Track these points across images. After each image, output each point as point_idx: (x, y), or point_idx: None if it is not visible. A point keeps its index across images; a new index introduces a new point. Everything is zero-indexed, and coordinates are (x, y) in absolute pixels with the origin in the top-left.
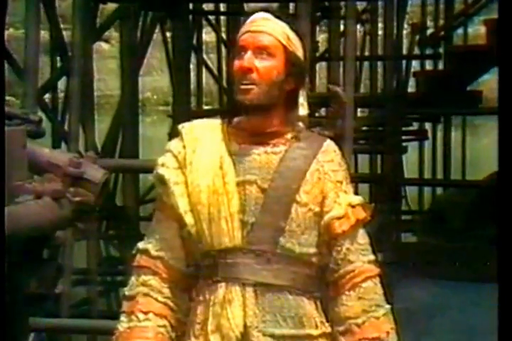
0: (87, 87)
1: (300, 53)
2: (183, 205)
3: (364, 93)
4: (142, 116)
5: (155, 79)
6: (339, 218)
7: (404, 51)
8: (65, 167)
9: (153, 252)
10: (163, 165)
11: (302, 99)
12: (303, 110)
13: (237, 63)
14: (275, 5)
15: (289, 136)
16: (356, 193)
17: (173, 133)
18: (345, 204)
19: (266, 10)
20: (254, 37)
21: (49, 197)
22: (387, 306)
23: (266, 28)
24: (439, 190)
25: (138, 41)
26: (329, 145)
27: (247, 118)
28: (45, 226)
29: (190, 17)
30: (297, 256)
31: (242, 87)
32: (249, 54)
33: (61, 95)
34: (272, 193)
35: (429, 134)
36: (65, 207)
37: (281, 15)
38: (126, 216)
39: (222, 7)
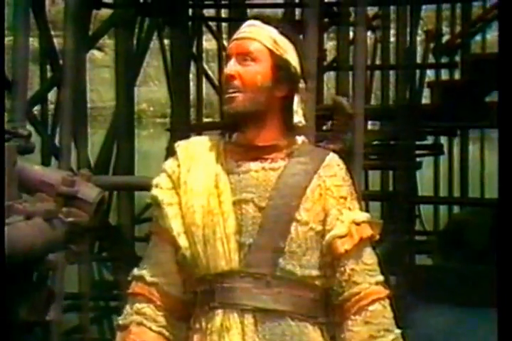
0: (80, 98)
1: (290, 57)
2: (176, 227)
3: (375, 105)
4: (138, 130)
5: (152, 89)
6: (342, 236)
7: (418, 60)
8: (57, 186)
9: (148, 278)
10: (157, 186)
11: (296, 106)
12: (297, 117)
13: (223, 72)
14: (281, 11)
15: (289, 150)
16: (367, 211)
17: (171, 148)
18: (349, 221)
19: (255, 17)
20: (237, 44)
21: (40, 218)
22: (398, 331)
23: (250, 33)
24: (455, 209)
25: (134, 49)
26: (332, 159)
27: (242, 132)
28: (36, 249)
29: (190, 23)
30: (299, 278)
31: (227, 95)
32: (232, 61)
33: (51, 107)
34: (269, 212)
35: (445, 149)
36: (58, 229)
37: (270, 20)
38: (121, 236)
39: (223, 13)
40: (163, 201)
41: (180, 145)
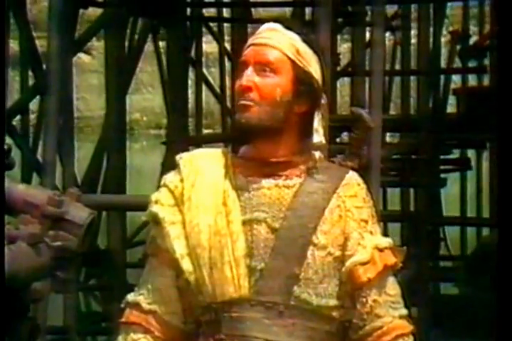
0: (65, 107)
1: (313, 69)
2: (179, 248)
3: (394, 115)
4: (130, 142)
5: (145, 97)
6: (364, 263)
7: (443, 64)
8: (43, 206)
9: (145, 305)
10: (157, 202)
11: (317, 124)
12: (317, 137)
13: (238, 82)
14: (289, 10)
15: (304, 166)
16: (385, 235)
17: (167, 163)
18: (371, 247)
19: (276, 19)
20: (256, 51)
21: (24, 242)
22: None
23: (270, 40)
24: (485, 231)
25: (126, 53)
26: (352, 177)
27: (254, 146)
28: (20, 277)
29: (188, 24)
30: (315, 309)
31: (241, 102)
32: (249, 71)
33: (33, 117)
34: (284, 234)
35: (473, 163)
36: (44, 254)
37: (293, 25)
38: (111, 262)
39: (225, 12)
40: (165, 219)
41: (183, 158)
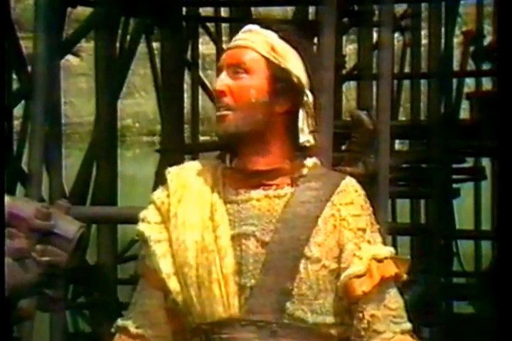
0: (52, 113)
1: (292, 66)
2: (165, 268)
3: (403, 121)
4: (121, 150)
5: (138, 102)
6: (359, 276)
7: (455, 66)
8: (30, 219)
9: (133, 330)
10: (143, 219)
11: (301, 123)
12: (303, 136)
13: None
14: (291, 9)
15: (296, 174)
16: (394, 247)
17: (162, 173)
18: (368, 257)
19: (256, 21)
20: (229, 54)
21: (10, 258)
22: None
23: (243, 41)
24: None
25: (117, 54)
26: (348, 183)
27: (241, 155)
28: (5, 294)
29: (184, 24)
30: (311, 327)
31: (217, 113)
32: (223, 75)
33: (17, 123)
34: (274, 247)
35: (488, 173)
36: (31, 270)
37: (271, 23)
38: (101, 278)
39: (223, 12)
40: (151, 237)
41: (171, 172)
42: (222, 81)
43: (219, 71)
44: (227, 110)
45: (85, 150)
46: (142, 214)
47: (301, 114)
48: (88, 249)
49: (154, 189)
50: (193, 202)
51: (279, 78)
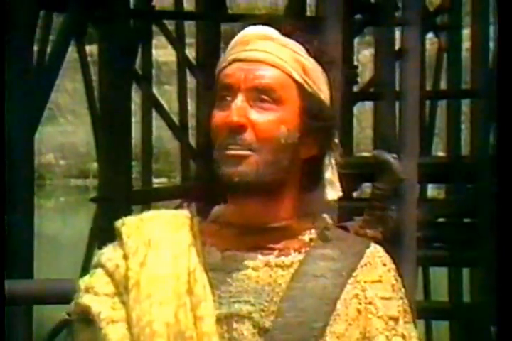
0: None
1: (324, 95)
2: None
3: (439, 157)
4: (38, 199)
5: (63, 130)
6: None
7: None
8: None
9: None
10: (88, 289)
11: (330, 173)
12: (332, 192)
13: (219, 115)
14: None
15: (306, 236)
16: (428, 334)
17: (98, 231)
18: None
19: (263, 20)
20: (247, 71)
21: None
22: None
23: (266, 54)
24: None
25: (34, 63)
26: (375, 254)
27: (237, 206)
28: None
29: (132, 21)
30: None
31: (230, 152)
32: (239, 100)
33: None
34: (277, 337)
35: None
36: None
37: (290, 27)
38: None
39: (186, 4)
40: (101, 316)
41: (126, 224)
42: (241, 110)
43: (226, 90)
44: (249, 150)
45: None
46: (84, 283)
47: (328, 160)
48: None
49: (88, 251)
50: (161, 267)
51: (312, 112)
